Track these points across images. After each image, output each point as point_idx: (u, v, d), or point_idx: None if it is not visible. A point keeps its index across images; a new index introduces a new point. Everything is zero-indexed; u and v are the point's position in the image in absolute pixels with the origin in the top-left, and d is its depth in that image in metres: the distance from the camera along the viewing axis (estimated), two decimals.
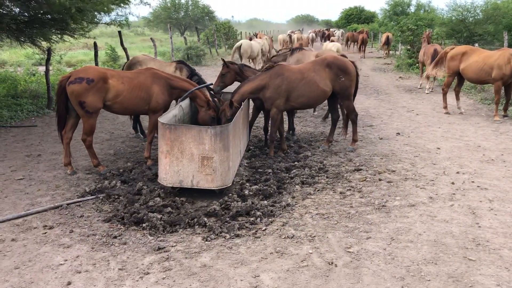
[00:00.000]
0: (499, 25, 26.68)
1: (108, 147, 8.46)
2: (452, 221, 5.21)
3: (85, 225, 5.14)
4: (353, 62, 7.86)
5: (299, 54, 10.28)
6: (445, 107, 11.52)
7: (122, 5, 12.97)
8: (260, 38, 24.23)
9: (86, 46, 29.92)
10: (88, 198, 5.91)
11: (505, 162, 7.42)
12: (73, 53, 28.12)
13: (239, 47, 18.31)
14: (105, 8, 11.32)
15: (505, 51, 10.16)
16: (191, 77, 8.32)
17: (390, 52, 30.88)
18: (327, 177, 6.73)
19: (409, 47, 21.90)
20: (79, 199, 5.85)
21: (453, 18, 27.70)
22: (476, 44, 15.65)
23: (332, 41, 26.51)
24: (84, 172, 7.00)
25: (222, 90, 8.40)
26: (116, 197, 5.91)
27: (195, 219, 5.18)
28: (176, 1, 62.29)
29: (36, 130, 9.82)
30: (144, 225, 5.07)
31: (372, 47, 41.76)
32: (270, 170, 6.88)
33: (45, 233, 4.96)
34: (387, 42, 29.51)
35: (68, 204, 5.68)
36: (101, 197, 5.91)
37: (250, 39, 22.58)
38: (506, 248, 4.58)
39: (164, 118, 6.11)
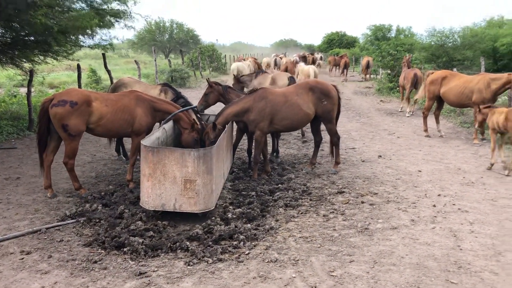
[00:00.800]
0: (477, 50, 27.46)
1: (90, 170, 8.36)
2: (434, 244, 5.24)
3: (65, 250, 5.03)
4: (335, 86, 7.98)
5: (261, 77, 10.63)
6: (426, 130, 11.72)
7: (106, 28, 13.01)
8: (245, 60, 24.80)
9: (70, 67, 29.78)
10: (68, 222, 5.80)
11: (485, 184, 7.53)
12: (55, 74, 27.93)
13: (236, 69, 18.64)
14: (88, 31, 11.32)
15: (485, 76, 10.44)
16: (177, 100, 8.31)
17: (372, 76, 31.47)
18: (310, 200, 6.74)
19: (389, 72, 22.32)
20: (59, 223, 5.73)
21: (433, 43, 28.42)
22: (455, 69, 16.03)
23: (317, 63, 27.34)
24: (65, 195, 6.89)
25: (204, 111, 8.44)
26: (97, 220, 5.82)
27: (177, 243, 5.12)
28: (161, 24, 62.63)
29: (15, 152, 9.66)
30: (125, 249, 4.98)
31: (353, 71, 42.42)
32: (253, 193, 6.85)
33: (22, 258, 4.83)
34: (368, 66, 30.60)
35: (47, 228, 5.57)
36: (81, 221, 5.81)
37: (242, 60, 23.31)
38: (487, 270, 4.62)
39: (147, 141, 6.09)
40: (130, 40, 63.76)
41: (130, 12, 13.60)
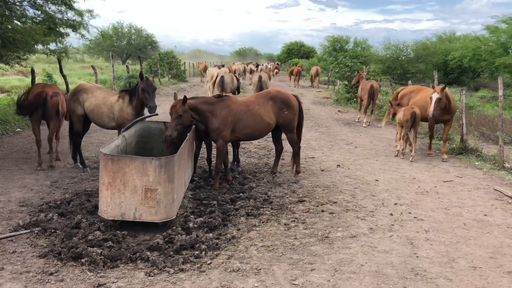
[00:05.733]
0: (429, 64, 28.60)
1: (45, 178, 8.06)
2: (391, 252, 5.39)
3: (18, 262, 4.82)
4: (295, 96, 8.09)
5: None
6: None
7: (60, 38, 12.63)
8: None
9: (22, 72, 28.73)
10: (22, 232, 5.57)
11: (438, 194, 7.82)
12: (6, 78, 26.90)
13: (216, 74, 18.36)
14: (40, 39, 10.85)
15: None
16: (141, 106, 8.02)
17: (330, 86, 32.22)
18: (271, 209, 6.77)
19: (346, 83, 22.85)
20: (12, 234, 5.49)
21: (388, 56, 29.37)
22: (410, 81, 16.61)
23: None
24: (18, 205, 6.60)
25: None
26: (52, 231, 5.61)
27: (137, 254, 5.01)
28: (119, 29, 61.60)
29: None
30: (83, 260, 4.83)
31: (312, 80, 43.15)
32: (215, 202, 6.83)
33: None
34: (317, 74, 34.44)
35: None
36: (36, 231, 5.58)
37: (219, 67, 23.88)
38: (441, 277, 4.79)
39: (106, 149, 5.95)
40: (86, 45, 62.31)
41: (87, 24, 13.27)
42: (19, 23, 10.56)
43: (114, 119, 8.08)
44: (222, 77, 16.24)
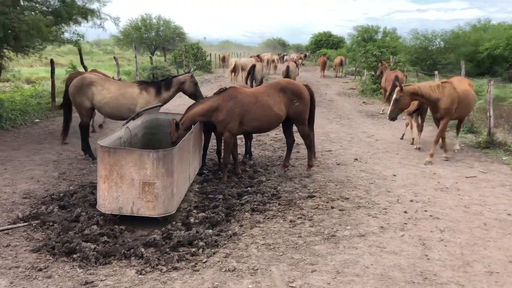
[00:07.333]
0: (460, 54, 27.54)
1: (53, 169, 7.99)
2: (401, 253, 5.04)
3: (9, 256, 4.71)
4: (307, 86, 7.73)
5: None
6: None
7: (73, 24, 12.63)
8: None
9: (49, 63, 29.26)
10: (20, 225, 5.47)
11: (459, 190, 7.37)
12: (34, 69, 27.41)
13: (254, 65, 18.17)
14: (45, 31, 10.76)
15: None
16: (160, 93, 7.94)
17: (356, 77, 31.49)
18: (279, 204, 6.49)
19: (372, 73, 22.19)
20: (9, 226, 5.40)
21: (416, 46, 28.43)
22: (436, 72, 15.93)
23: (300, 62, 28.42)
24: (22, 196, 6.53)
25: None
26: (50, 224, 5.50)
27: (132, 250, 4.83)
28: (147, 21, 61.89)
29: None
30: (75, 256, 4.68)
31: (341, 71, 42.37)
32: (220, 196, 6.59)
33: None
34: (341, 64, 34.96)
35: None
36: (34, 224, 5.48)
37: (250, 57, 24.95)
38: (453, 282, 4.42)
39: (106, 141, 5.79)
40: (116, 37, 62.91)
41: (99, 12, 13.22)
42: (31, 14, 10.51)
43: (135, 111, 7.76)
44: (254, 66, 16.55)
